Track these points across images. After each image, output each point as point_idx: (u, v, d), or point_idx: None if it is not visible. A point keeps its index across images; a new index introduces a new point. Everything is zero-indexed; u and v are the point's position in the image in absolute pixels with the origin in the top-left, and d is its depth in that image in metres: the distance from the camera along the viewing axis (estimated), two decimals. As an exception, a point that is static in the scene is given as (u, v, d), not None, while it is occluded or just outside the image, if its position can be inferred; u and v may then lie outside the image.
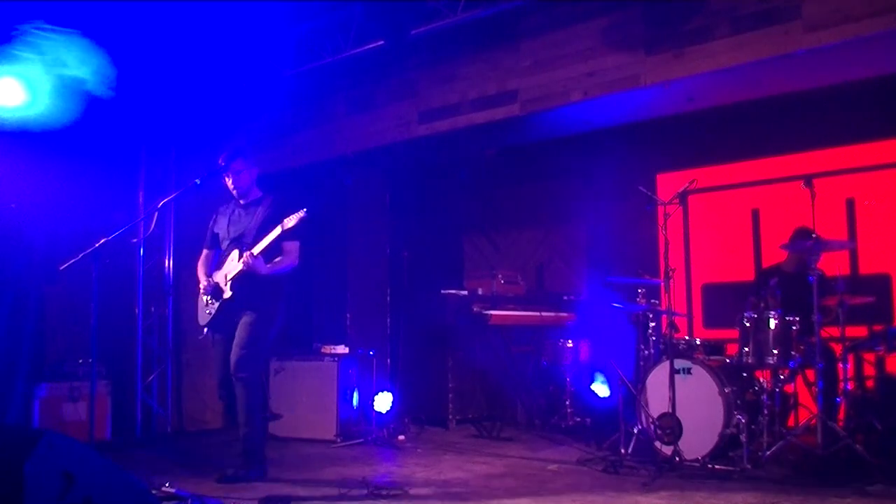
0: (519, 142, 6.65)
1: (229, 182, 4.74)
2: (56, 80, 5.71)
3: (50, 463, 2.58)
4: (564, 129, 6.17)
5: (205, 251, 4.96)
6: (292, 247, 4.57)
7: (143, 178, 7.39)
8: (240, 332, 4.55)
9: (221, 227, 4.81)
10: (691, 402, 4.85)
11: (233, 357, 4.51)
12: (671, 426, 4.82)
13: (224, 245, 4.77)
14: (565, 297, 7.01)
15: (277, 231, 4.34)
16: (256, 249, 4.47)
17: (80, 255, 4.04)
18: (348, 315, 7.08)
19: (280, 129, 7.19)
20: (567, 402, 6.46)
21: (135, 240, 7.10)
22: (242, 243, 4.57)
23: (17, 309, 6.28)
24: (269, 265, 4.51)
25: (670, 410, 4.82)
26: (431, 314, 6.68)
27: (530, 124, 5.90)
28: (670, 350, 4.93)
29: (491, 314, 6.64)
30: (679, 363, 4.95)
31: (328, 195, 7.52)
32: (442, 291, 6.74)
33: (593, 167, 7.01)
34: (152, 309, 7.38)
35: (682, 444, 4.78)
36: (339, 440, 6.07)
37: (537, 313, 6.84)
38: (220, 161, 4.68)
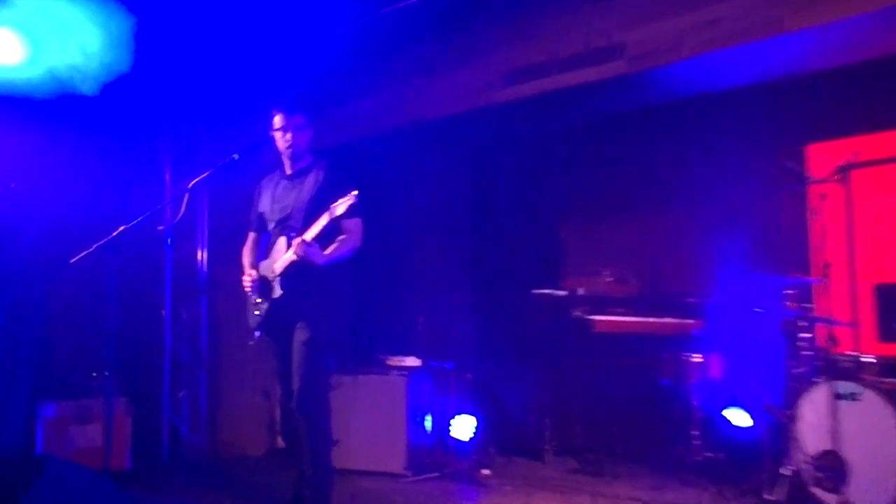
0: (626, 107, 6.65)
1: (285, 141, 4.77)
2: (60, 31, 5.79)
3: (53, 496, 2.46)
4: (682, 91, 6.14)
5: (251, 235, 5.02)
6: (353, 225, 4.64)
7: (169, 153, 7.50)
8: (297, 354, 4.60)
9: (265, 204, 4.89)
10: (861, 437, 4.66)
11: (295, 385, 4.57)
12: (834, 467, 4.66)
13: (270, 227, 4.83)
14: (690, 300, 6.77)
15: (325, 220, 4.42)
16: (309, 234, 4.47)
17: (95, 246, 4.10)
18: (420, 319, 7.10)
19: (332, 95, 7.27)
20: (694, 432, 6.26)
21: (161, 227, 6.87)
22: (289, 226, 4.65)
23: (17, 311, 6.36)
24: (326, 252, 4.55)
25: (832, 447, 4.66)
26: (521, 319, 6.74)
27: (638, 85, 5.91)
28: (830, 369, 4.79)
29: (595, 320, 6.57)
30: (843, 386, 4.78)
31: (393, 174, 7.60)
32: (534, 291, 6.71)
33: (722, 138, 6.84)
34: (182, 310, 7.47)
35: (851, 491, 4.58)
36: (409, 473, 6.13)
37: (654, 319, 6.70)
38: (273, 114, 4.75)
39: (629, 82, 5.78)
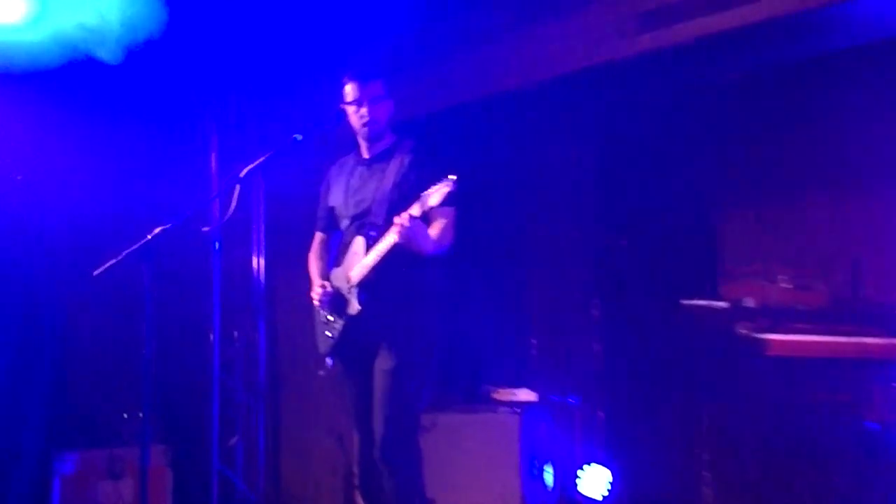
0: (805, 53, 6.45)
1: (360, 117, 4.79)
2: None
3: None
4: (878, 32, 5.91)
5: (317, 235, 5.08)
6: (445, 216, 4.66)
7: (215, 135, 7.61)
8: (380, 387, 4.61)
9: (337, 197, 4.94)
10: None
11: (377, 428, 4.57)
12: None
13: (343, 225, 4.86)
14: (905, 312, 6.55)
15: (416, 211, 4.39)
16: (415, 211, 4.42)
17: (124, 254, 4.15)
18: (533, 340, 7.06)
19: (412, 55, 7.15)
20: (913, 494, 6.03)
21: (206, 228, 7.18)
22: (368, 223, 4.69)
23: (29, 336, 6.50)
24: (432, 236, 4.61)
25: None
26: (668, 339, 6.54)
27: (818, 25, 5.75)
28: None
29: (769, 339, 6.22)
30: None
31: (493, 154, 7.56)
32: (684, 302, 6.42)
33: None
34: (235, 333, 7.60)
35: None
36: (524, 541, 6.10)
37: (853, 339, 6.25)
38: (343, 83, 4.78)
39: (806, 21, 5.64)
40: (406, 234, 4.39)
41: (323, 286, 4.79)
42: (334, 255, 4.95)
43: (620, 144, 7.31)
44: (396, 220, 4.41)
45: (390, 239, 4.48)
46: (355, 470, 4.83)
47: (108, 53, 5.92)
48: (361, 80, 4.76)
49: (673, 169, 7.47)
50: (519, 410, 6.24)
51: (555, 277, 7.27)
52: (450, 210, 4.63)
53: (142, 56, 6.24)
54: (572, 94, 6.92)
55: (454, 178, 4.30)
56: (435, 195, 4.31)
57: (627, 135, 7.37)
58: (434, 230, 4.62)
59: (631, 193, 7.32)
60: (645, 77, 6.58)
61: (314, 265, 4.98)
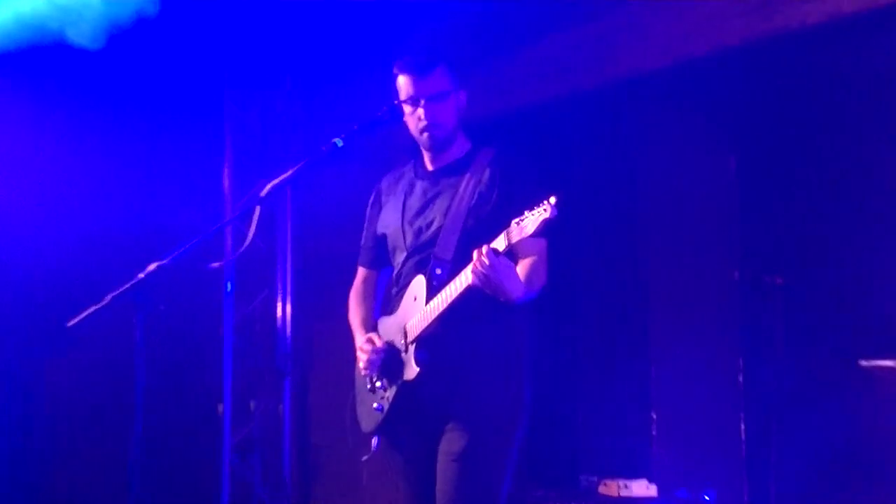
0: None
1: (417, 119, 4.64)
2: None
3: None
4: None
5: (361, 272, 4.98)
6: (536, 251, 4.52)
7: (228, 140, 7.75)
8: (448, 480, 4.42)
9: (389, 221, 4.78)
10: None
11: None
12: None
13: (398, 259, 4.70)
14: None
15: (501, 244, 4.15)
16: (499, 245, 4.18)
17: (108, 298, 3.98)
18: (653, 415, 6.97)
19: (491, 40, 7.23)
20: None
21: (216, 264, 7.41)
22: (433, 258, 4.51)
23: None
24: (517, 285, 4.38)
25: None
26: (843, 412, 6.29)
27: None
28: None
29: None
30: None
31: (590, 161, 7.62)
32: (863, 363, 6.17)
33: None
34: (252, 404, 7.50)
35: None
36: None
37: None
38: (395, 74, 4.65)
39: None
40: (486, 275, 4.14)
41: (370, 341, 4.60)
42: (384, 300, 4.82)
43: (766, 155, 7.17)
44: (475, 256, 4.17)
45: (463, 280, 4.26)
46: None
47: (85, 37, 5.96)
48: (418, 71, 4.59)
49: (840, 182, 7.16)
50: (635, 512, 6.19)
51: (682, 331, 7.21)
52: (542, 242, 4.48)
53: (134, 44, 6.36)
54: (696, 90, 7.03)
55: (554, 200, 3.99)
56: (531, 223, 4.04)
57: (775, 142, 7.20)
58: (522, 269, 4.43)
59: (783, 216, 7.14)
60: (797, 65, 6.61)
61: (356, 312, 4.83)
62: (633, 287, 7.54)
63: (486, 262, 4.14)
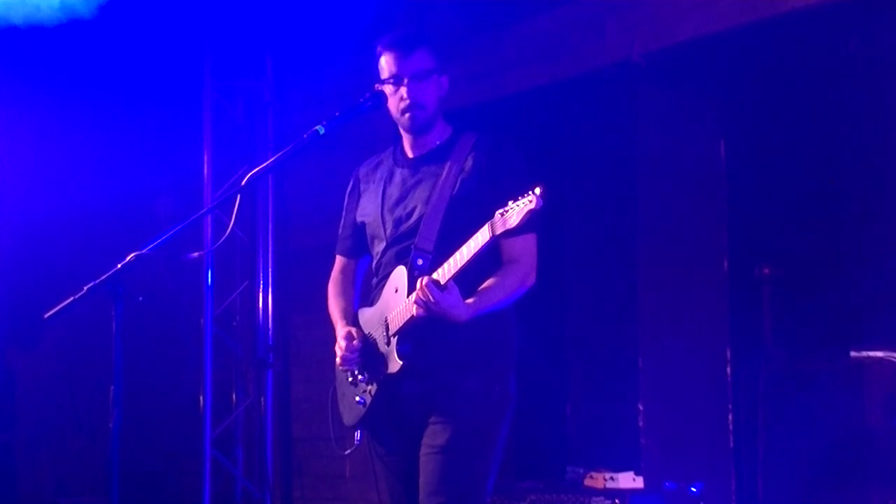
0: None
1: (399, 100, 4.59)
2: None
3: None
4: None
5: (339, 261, 4.91)
6: (523, 246, 4.46)
7: (208, 131, 7.66)
8: (432, 472, 4.36)
9: (369, 209, 4.74)
10: None
11: None
12: None
13: (378, 248, 4.65)
14: None
15: (483, 239, 4.11)
16: (444, 273, 4.22)
17: (85, 289, 3.97)
18: (640, 406, 6.90)
19: (469, 23, 7.26)
20: None
21: (196, 254, 7.23)
22: (415, 247, 4.46)
23: None
24: (474, 299, 4.32)
25: None
26: (833, 403, 6.40)
27: None
28: None
29: None
30: None
31: (577, 150, 7.64)
32: (853, 354, 6.24)
33: None
34: (234, 397, 7.54)
35: None
36: None
37: None
38: (378, 53, 4.64)
39: None
40: (428, 307, 4.17)
41: (348, 336, 4.54)
42: (364, 290, 4.79)
43: (757, 141, 7.17)
44: (419, 288, 4.20)
45: (408, 310, 4.33)
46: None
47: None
48: (401, 49, 4.56)
49: (840, 168, 7.18)
50: (620, 501, 6.21)
51: (670, 322, 7.15)
52: (531, 239, 4.46)
53: (109, 28, 6.37)
54: (683, 75, 7.04)
55: (539, 191, 3.97)
56: (514, 214, 4.01)
57: (766, 128, 7.23)
58: (508, 270, 4.43)
59: (773, 205, 7.15)
60: (784, 45, 6.58)
61: (336, 303, 4.76)
62: (620, 278, 7.50)
63: (428, 296, 4.17)
